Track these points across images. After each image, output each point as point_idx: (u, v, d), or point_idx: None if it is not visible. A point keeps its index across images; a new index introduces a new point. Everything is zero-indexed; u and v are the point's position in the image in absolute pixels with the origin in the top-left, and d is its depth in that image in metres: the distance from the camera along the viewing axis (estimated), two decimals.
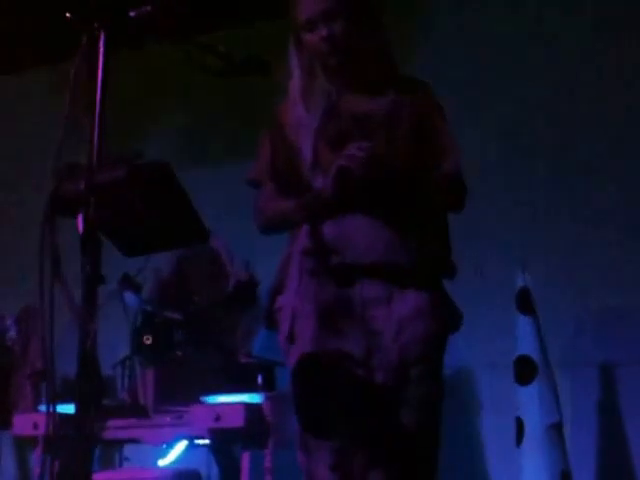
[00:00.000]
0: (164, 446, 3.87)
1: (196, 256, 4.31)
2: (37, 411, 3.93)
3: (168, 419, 3.70)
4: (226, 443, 3.69)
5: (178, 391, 3.85)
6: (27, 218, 4.35)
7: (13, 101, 5.83)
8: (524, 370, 3.67)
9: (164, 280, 4.36)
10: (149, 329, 3.91)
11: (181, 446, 3.87)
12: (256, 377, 3.62)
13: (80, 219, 1.65)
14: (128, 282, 3.98)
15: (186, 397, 3.71)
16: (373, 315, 2.14)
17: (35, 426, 3.67)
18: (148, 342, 3.83)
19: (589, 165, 4.27)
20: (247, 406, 3.47)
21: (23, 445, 4.69)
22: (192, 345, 3.95)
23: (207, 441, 3.66)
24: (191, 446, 3.86)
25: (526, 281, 3.76)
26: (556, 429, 3.62)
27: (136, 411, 3.86)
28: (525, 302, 3.76)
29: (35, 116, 5.50)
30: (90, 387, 1.54)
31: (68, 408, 1.58)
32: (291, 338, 2.18)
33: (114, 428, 3.66)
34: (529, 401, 3.65)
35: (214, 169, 4.99)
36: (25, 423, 3.79)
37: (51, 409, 1.62)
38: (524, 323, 3.74)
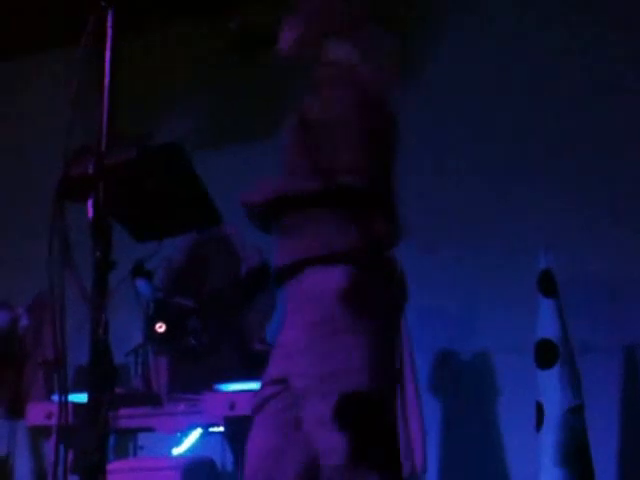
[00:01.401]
0: (178, 434, 3.85)
1: (209, 242, 4.28)
2: (51, 400, 3.91)
3: (182, 407, 3.68)
4: (241, 431, 3.66)
5: (192, 379, 3.83)
6: (37, 205, 4.33)
7: (13, 87, 5.80)
8: (545, 354, 3.62)
9: (176, 267, 4.34)
10: (162, 317, 3.89)
11: (196, 434, 3.84)
12: None
13: (90, 203, 1.61)
14: (140, 270, 3.95)
15: (200, 385, 3.68)
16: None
17: (49, 415, 3.65)
18: (161, 330, 3.81)
19: (610, 148, 4.23)
20: None
21: (37, 435, 4.67)
22: (205, 332, 3.92)
23: (221, 429, 3.63)
24: (205, 434, 3.83)
25: (549, 263, 3.70)
26: (577, 413, 3.57)
27: (150, 399, 3.84)
28: (548, 284, 3.70)
29: (37, 103, 5.48)
30: (103, 375, 1.50)
31: (81, 397, 1.54)
32: None
33: (128, 417, 3.63)
34: (550, 385, 3.59)
35: (226, 155, 4.95)
36: (39, 413, 3.77)
37: (63, 399, 1.58)
38: (546, 306, 3.67)
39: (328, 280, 2.01)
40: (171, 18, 5.26)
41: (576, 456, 3.52)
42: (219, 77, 4.98)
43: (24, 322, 4.74)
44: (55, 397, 3.85)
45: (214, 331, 3.92)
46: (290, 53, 2.24)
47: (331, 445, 1.93)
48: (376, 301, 2.03)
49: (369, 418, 1.96)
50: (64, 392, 1.58)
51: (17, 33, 5.47)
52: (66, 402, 1.61)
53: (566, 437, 3.54)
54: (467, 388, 4.30)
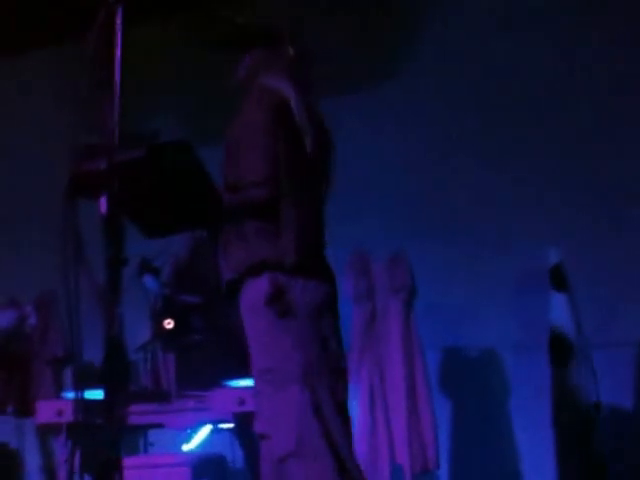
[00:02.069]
0: (188, 431, 3.84)
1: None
2: (60, 398, 3.90)
3: (191, 404, 3.67)
4: (251, 427, 3.66)
5: (200, 375, 3.82)
6: (38, 204, 4.33)
7: (12, 83, 5.80)
8: (559, 350, 3.59)
9: (182, 264, 4.33)
10: (169, 313, 3.88)
11: (205, 430, 3.84)
12: None
13: (103, 200, 1.61)
14: (147, 266, 3.95)
15: (208, 381, 3.67)
16: None
17: (59, 413, 3.63)
18: (169, 326, 3.80)
19: (611, 148, 4.22)
20: None
21: (45, 432, 4.66)
22: (212, 329, 3.92)
23: (231, 425, 3.63)
24: (215, 430, 3.83)
25: (559, 257, 3.69)
26: (594, 409, 3.54)
27: (158, 396, 3.83)
28: (559, 279, 3.68)
29: (35, 102, 5.48)
30: (117, 372, 1.50)
31: (94, 394, 1.54)
32: None
33: (137, 413, 3.63)
34: (565, 380, 3.57)
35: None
36: (48, 410, 3.75)
37: (77, 395, 1.58)
38: (558, 300, 3.65)
39: (259, 288, 2.20)
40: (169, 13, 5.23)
41: (592, 452, 3.51)
42: (211, 75, 4.97)
43: (32, 320, 4.72)
44: (65, 394, 3.85)
45: (220, 327, 3.91)
46: (242, 79, 2.43)
47: (275, 440, 2.14)
48: (302, 302, 2.20)
49: (307, 415, 2.10)
50: (78, 389, 1.58)
51: (16, 32, 5.46)
52: (79, 399, 1.61)
53: (583, 433, 3.52)
54: (476, 384, 4.29)
